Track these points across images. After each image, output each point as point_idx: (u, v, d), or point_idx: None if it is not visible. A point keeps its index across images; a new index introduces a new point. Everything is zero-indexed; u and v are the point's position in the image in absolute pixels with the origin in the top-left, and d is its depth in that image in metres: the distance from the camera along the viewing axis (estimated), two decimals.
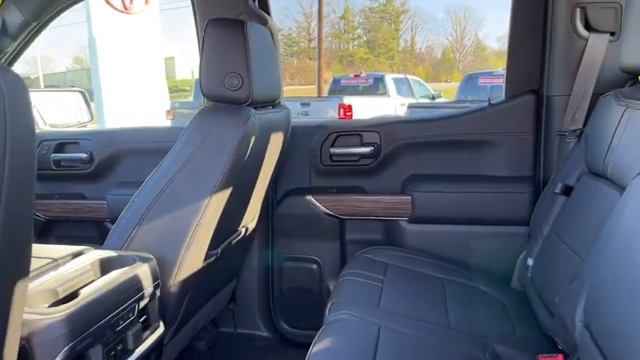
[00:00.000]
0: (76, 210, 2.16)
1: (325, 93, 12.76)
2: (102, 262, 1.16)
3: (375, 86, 11.08)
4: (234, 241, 1.63)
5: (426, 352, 1.21)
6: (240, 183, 1.45)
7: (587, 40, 1.60)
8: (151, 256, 1.24)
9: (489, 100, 1.88)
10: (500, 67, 8.79)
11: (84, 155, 2.15)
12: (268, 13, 1.93)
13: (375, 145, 1.92)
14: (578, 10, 1.61)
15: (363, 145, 1.93)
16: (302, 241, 2.00)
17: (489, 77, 9.54)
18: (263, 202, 1.82)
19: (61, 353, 0.91)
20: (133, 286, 1.12)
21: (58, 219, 2.18)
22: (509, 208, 1.78)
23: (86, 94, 2.82)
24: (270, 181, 1.78)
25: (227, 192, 1.37)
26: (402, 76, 12.18)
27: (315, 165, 1.98)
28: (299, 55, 32.91)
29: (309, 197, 1.95)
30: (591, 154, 1.33)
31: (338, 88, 11.57)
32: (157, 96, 9.93)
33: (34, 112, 1.27)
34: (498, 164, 1.84)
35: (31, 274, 0.82)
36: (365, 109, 9.12)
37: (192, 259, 1.35)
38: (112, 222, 2.06)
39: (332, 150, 1.94)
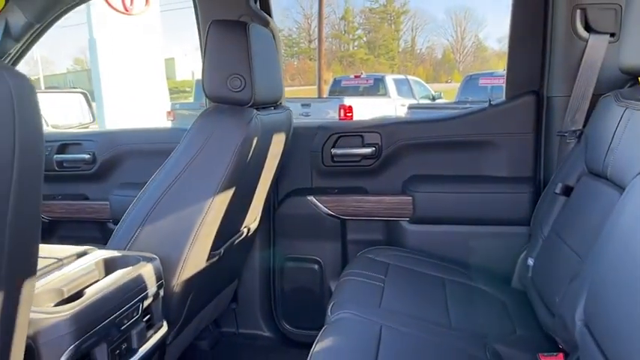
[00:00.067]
0: (78, 211, 2.16)
1: (326, 94, 12.76)
2: (106, 262, 1.16)
3: (376, 87, 11.08)
4: (237, 241, 1.64)
5: (427, 351, 1.22)
6: (243, 183, 1.46)
7: (587, 41, 1.61)
8: (154, 256, 1.24)
9: (490, 100, 1.89)
10: (501, 68, 8.79)
11: (86, 156, 2.16)
12: (269, 15, 1.94)
13: (376, 146, 1.93)
14: (578, 11, 1.62)
15: (364, 145, 1.94)
16: (303, 242, 2.01)
17: (490, 78, 9.55)
18: (265, 202, 1.82)
19: (67, 352, 0.92)
20: (137, 286, 1.13)
21: (61, 220, 2.19)
22: (510, 208, 1.79)
23: (88, 95, 2.83)
24: (272, 182, 1.79)
25: (230, 192, 1.38)
26: (402, 76, 12.17)
27: (317, 166, 1.99)
28: (299, 55, 32.93)
29: (311, 198, 1.96)
30: (591, 155, 1.34)
31: (338, 89, 11.57)
32: (158, 97, 9.93)
33: None
34: (499, 165, 1.84)
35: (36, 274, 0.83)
36: (365, 109, 9.13)
37: (195, 259, 1.36)
38: (115, 223, 2.08)
39: (333, 151, 1.95)
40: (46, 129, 2.56)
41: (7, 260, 0.68)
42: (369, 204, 1.93)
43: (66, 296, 1.01)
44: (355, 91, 11.12)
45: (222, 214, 1.39)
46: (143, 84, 9.34)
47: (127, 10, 8.97)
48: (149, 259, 1.22)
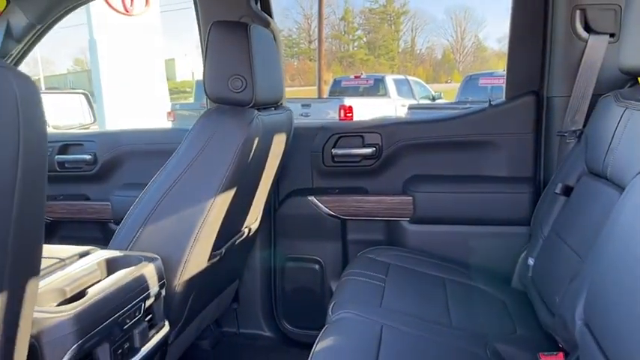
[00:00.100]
0: (79, 211, 2.17)
1: (326, 94, 12.77)
2: (108, 262, 1.17)
3: (376, 87, 11.09)
4: (238, 241, 1.64)
5: (427, 350, 1.22)
6: (244, 184, 1.47)
7: (586, 41, 1.61)
8: (156, 256, 1.25)
9: (490, 101, 1.89)
10: (501, 68, 8.80)
11: (88, 157, 2.16)
12: (270, 15, 1.95)
13: (377, 146, 1.93)
14: (577, 11, 1.62)
15: (364, 146, 1.95)
16: (304, 242, 2.02)
17: (490, 78, 9.55)
18: (266, 202, 1.83)
19: (70, 351, 0.92)
20: (139, 286, 1.13)
21: (62, 220, 2.19)
22: (510, 208, 1.79)
23: (89, 96, 2.83)
24: (272, 182, 1.79)
25: (231, 193, 1.38)
26: (402, 77, 12.18)
27: (317, 166, 1.99)
28: (299, 56, 32.95)
29: (312, 198, 1.96)
30: (591, 155, 1.35)
31: (338, 90, 11.58)
32: (158, 97, 9.94)
33: None
34: (499, 165, 1.85)
35: None
36: (365, 110, 9.14)
37: (196, 259, 1.37)
38: (116, 223, 2.08)
39: (334, 151, 1.96)
40: (48, 130, 2.56)
41: (12, 260, 0.69)
42: (370, 204, 1.93)
43: (68, 296, 1.01)
44: (355, 92, 11.13)
45: (223, 215, 1.39)
46: (143, 84, 9.34)
47: (127, 11, 8.99)
48: (151, 259, 1.22)
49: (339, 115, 9.00)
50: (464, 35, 32.26)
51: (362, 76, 11.73)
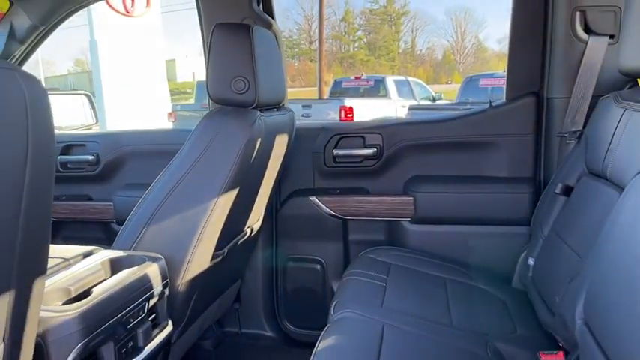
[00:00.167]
0: (82, 211, 2.18)
1: (326, 95, 12.77)
2: (112, 262, 1.18)
3: (376, 88, 11.09)
4: (240, 241, 1.65)
5: (428, 349, 1.23)
6: (246, 184, 1.48)
7: (586, 43, 1.62)
8: (159, 255, 1.26)
9: (490, 102, 1.90)
10: (501, 69, 8.80)
11: (90, 157, 2.17)
12: (272, 17, 1.96)
13: (378, 147, 1.94)
14: (577, 13, 1.63)
15: (365, 146, 1.96)
16: (306, 242, 2.02)
17: (490, 79, 9.53)
18: (267, 203, 1.84)
19: (75, 349, 0.93)
20: (142, 285, 1.14)
21: (65, 220, 2.20)
22: (510, 208, 1.80)
23: (91, 97, 2.84)
24: (274, 183, 1.80)
25: (234, 193, 1.39)
26: (402, 77, 12.18)
27: (319, 166, 2.00)
28: (300, 57, 32.94)
29: (313, 198, 1.97)
30: (591, 155, 1.35)
31: (339, 90, 11.58)
32: (159, 98, 9.95)
33: None
34: (499, 165, 1.86)
35: None
36: (366, 110, 9.14)
37: (199, 259, 1.38)
38: (118, 223, 2.09)
39: (335, 152, 1.97)
40: None
41: (19, 260, 0.69)
42: (371, 204, 1.94)
43: (73, 295, 1.02)
44: (356, 93, 11.14)
45: (226, 215, 1.40)
46: (144, 85, 9.35)
47: (128, 12, 8.99)
48: (154, 259, 1.23)
49: (340, 116, 9.01)
50: (464, 36, 32.27)
51: (362, 77, 11.73)
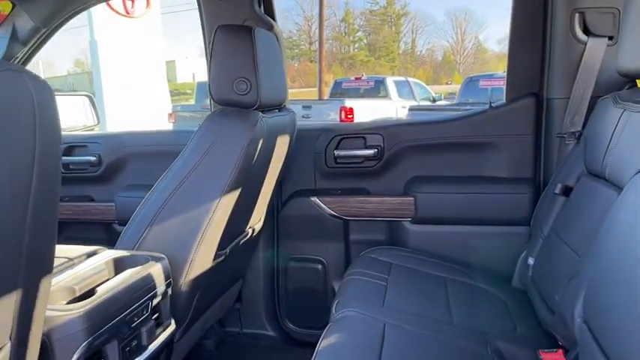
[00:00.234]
0: (84, 212, 2.18)
1: (326, 96, 12.77)
2: (116, 262, 1.19)
3: (376, 89, 11.09)
4: (242, 241, 1.66)
5: (429, 348, 1.24)
6: (248, 185, 1.49)
7: (585, 44, 1.63)
8: (162, 255, 1.27)
9: (490, 102, 1.91)
10: (501, 70, 8.80)
11: (92, 158, 2.18)
12: (273, 18, 1.97)
13: (379, 148, 1.95)
14: (577, 14, 1.64)
15: (366, 147, 1.97)
16: (307, 242, 2.03)
17: (490, 80, 9.54)
18: (269, 203, 1.85)
19: (80, 348, 0.94)
20: (146, 285, 1.15)
21: (67, 221, 2.21)
22: (510, 208, 1.81)
23: (93, 97, 2.85)
24: (276, 183, 1.81)
25: (236, 193, 1.40)
26: (403, 78, 12.18)
27: (320, 167, 2.01)
28: (300, 57, 32.96)
29: (314, 199, 1.98)
30: (590, 156, 1.36)
31: (339, 91, 11.59)
32: (159, 99, 9.95)
33: None
34: (499, 166, 1.87)
35: None
36: (366, 111, 9.15)
37: (202, 259, 1.39)
38: (120, 224, 2.10)
39: (336, 152, 1.98)
40: None
41: (26, 261, 0.70)
42: (372, 205, 1.95)
43: (78, 294, 1.03)
44: (356, 93, 11.15)
45: (228, 215, 1.41)
46: (144, 86, 9.35)
47: (128, 13, 9.01)
48: (157, 259, 1.24)
49: (340, 117, 9.01)
50: (464, 37, 32.31)
51: (363, 78, 11.74)
